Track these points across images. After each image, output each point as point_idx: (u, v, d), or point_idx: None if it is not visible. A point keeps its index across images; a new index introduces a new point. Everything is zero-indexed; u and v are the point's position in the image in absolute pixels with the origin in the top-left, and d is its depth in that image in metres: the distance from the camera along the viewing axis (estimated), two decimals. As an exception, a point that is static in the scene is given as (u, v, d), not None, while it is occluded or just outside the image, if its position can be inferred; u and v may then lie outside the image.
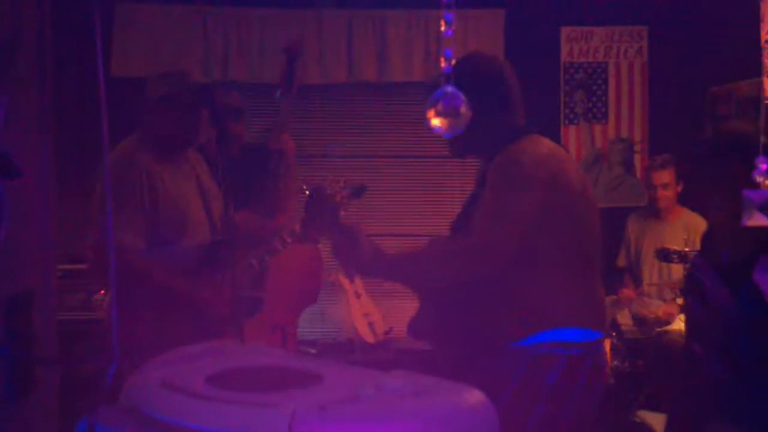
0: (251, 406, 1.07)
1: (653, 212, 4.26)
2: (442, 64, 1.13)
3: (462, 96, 1.11)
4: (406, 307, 4.97)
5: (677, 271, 3.92)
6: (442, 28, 1.09)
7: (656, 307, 4.09)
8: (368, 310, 4.80)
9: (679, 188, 4.14)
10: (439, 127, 1.09)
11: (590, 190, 2.07)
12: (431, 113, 1.11)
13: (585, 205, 2.00)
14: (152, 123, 2.78)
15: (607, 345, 3.02)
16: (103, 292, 4.12)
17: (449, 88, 1.09)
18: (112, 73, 4.56)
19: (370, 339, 4.71)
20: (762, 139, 2.91)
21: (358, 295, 4.79)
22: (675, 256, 3.59)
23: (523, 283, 1.89)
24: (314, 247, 3.39)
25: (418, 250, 2.22)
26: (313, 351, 4.64)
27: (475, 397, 1.10)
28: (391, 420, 1.03)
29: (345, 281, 4.75)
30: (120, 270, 2.67)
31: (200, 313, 2.70)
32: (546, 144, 2.04)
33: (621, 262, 4.38)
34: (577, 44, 4.90)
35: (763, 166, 1.18)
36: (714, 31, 4.37)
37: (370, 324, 4.78)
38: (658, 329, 3.99)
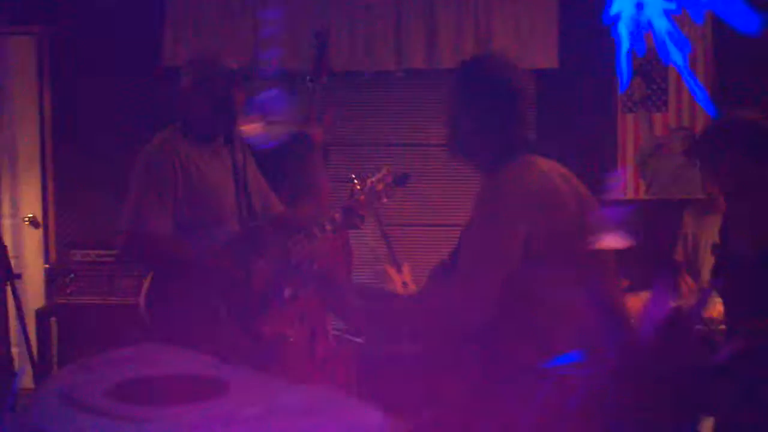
0: (125, 423, 1.03)
1: (712, 206, 4.05)
2: (265, 65, 1.04)
3: (284, 101, 1.03)
4: None
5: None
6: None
7: (712, 305, 3.89)
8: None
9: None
10: (258, 132, 1.01)
11: (591, 207, 1.90)
12: (253, 117, 1.03)
13: (583, 224, 1.84)
14: (185, 109, 2.81)
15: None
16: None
17: (270, 93, 1.01)
18: (163, 62, 4.64)
19: (416, 330, 4.66)
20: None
21: (405, 285, 4.73)
22: None
23: (529, 309, 1.80)
24: (344, 236, 3.36)
25: (396, 304, 2.18)
26: (359, 340, 4.62)
27: (371, 418, 1.04)
28: None
29: (392, 271, 4.69)
30: (152, 254, 2.74)
31: (236, 296, 2.71)
32: (537, 167, 1.91)
33: (679, 256, 4.19)
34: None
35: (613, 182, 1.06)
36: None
37: (417, 315, 4.72)
38: (713, 328, 3.80)
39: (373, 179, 3.19)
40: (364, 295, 2.01)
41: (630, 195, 4.73)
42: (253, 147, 3.34)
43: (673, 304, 0.89)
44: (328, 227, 2.99)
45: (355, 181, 3.25)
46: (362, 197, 3.11)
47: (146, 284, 2.90)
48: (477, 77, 1.97)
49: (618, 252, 1.91)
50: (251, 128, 3.00)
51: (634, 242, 1.19)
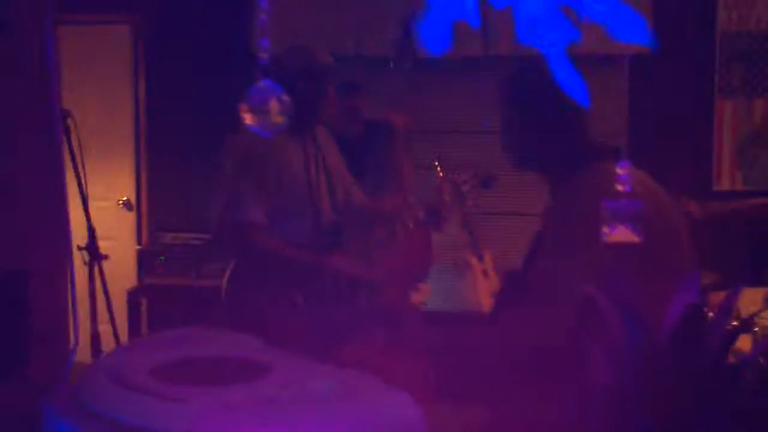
0: (164, 401, 1.06)
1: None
2: (260, 55, 1.03)
3: (277, 92, 1.00)
4: None
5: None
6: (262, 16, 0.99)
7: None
8: (496, 289, 4.68)
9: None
10: (250, 124, 1.00)
11: (671, 217, 1.76)
12: (244, 108, 1.02)
13: (665, 238, 1.69)
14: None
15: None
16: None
17: (264, 83, 0.99)
18: (251, 50, 4.71)
19: (497, 319, 4.60)
20: None
21: (485, 274, 4.68)
22: None
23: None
24: (426, 228, 3.32)
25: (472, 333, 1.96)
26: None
27: (403, 407, 1.02)
28: (300, 425, 0.99)
29: (473, 259, 4.65)
30: (250, 245, 2.76)
31: (324, 290, 2.73)
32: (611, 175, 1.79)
33: None
34: (737, 10, 4.47)
35: (622, 173, 0.98)
36: None
37: (499, 304, 4.67)
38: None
39: (459, 180, 3.13)
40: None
41: (726, 186, 4.53)
42: (336, 136, 3.35)
43: (694, 302, 0.83)
44: (411, 225, 2.96)
45: (438, 168, 3.21)
46: (447, 198, 3.06)
47: (230, 268, 2.95)
48: (535, 78, 1.81)
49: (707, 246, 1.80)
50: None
51: (644, 237, 1.11)
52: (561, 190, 1.77)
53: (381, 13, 4.68)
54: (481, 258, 4.65)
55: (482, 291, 4.65)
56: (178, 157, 4.89)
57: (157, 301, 4.62)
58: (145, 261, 4.65)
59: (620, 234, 0.98)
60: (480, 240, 4.70)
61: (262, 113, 1.03)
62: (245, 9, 4.72)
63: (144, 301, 4.64)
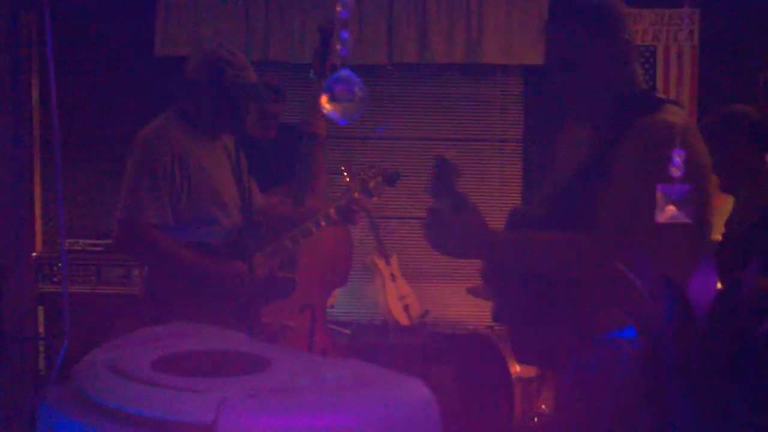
0: (184, 392, 1.07)
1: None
2: (338, 47, 1.08)
3: (358, 80, 1.05)
4: (442, 290, 5.00)
5: None
6: (338, 9, 1.04)
7: None
8: (404, 293, 4.79)
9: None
10: (333, 113, 1.05)
11: None
12: (325, 99, 1.07)
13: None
14: (193, 102, 2.76)
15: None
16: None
17: (344, 72, 1.04)
18: (155, 53, 4.62)
19: (405, 322, 4.70)
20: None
21: (394, 278, 4.78)
22: None
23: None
24: (344, 228, 3.39)
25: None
26: (347, 332, 4.66)
27: (417, 390, 1.08)
28: (323, 411, 1.03)
29: (381, 263, 4.73)
30: (147, 247, 2.72)
31: (228, 294, 2.72)
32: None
33: None
34: (625, 27, 4.77)
35: (677, 160, 1.10)
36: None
37: (406, 307, 4.77)
38: None
39: (365, 176, 3.22)
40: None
41: None
42: (250, 138, 3.35)
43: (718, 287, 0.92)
44: (323, 223, 3.02)
45: (345, 174, 3.28)
46: (356, 194, 3.14)
47: (144, 275, 2.90)
48: (590, 14, 1.83)
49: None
50: None
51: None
52: (620, 135, 1.77)
53: (288, 19, 4.70)
54: (388, 261, 4.75)
55: (390, 295, 4.74)
56: (75, 159, 4.72)
57: (55, 309, 4.44)
58: (41, 268, 4.46)
59: (670, 215, 1.05)
60: (386, 244, 4.80)
61: (345, 101, 1.05)
62: (147, 10, 4.63)
63: (41, 310, 4.45)
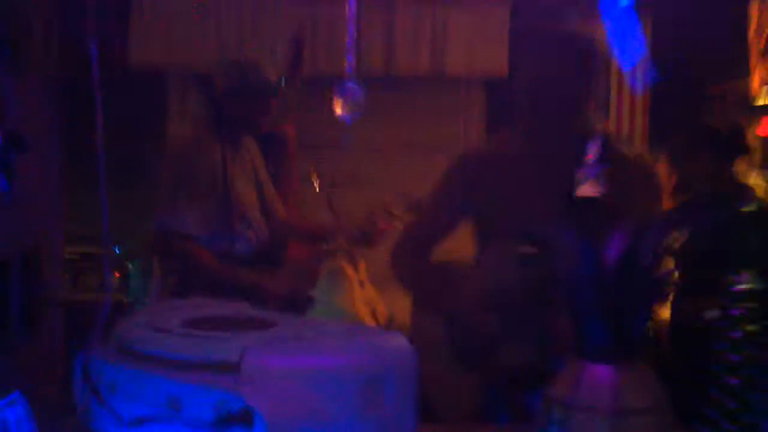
0: (212, 339, 1.30)
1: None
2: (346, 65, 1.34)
3: (360, 90, 1.26)
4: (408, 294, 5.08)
5: None
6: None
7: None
8: (371, 299, 4.87)
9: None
10: (341, 113, 1.28)
11: None
12: (337, 104, 1.31)
13: None
14: (225, 112, 2.81)
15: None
16: (117, 274, 4.25)
17: (350, 85, 1.26)
18: (129, 61, 4.70)
19: (372, 326, 4.80)
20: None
21: (361, 284, 4.86)
22: None
23: None
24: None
25: None
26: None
27: (400, 340, 1.34)
28: (328, 353, 1.26)
29: (349, 269, 4.82)
30: (180, 256, 2.76)
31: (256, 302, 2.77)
32: None
33: None
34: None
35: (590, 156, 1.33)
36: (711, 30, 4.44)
37: (373, 313, 4.86)
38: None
39: (391, 206, 3.20)
40: None
41: None
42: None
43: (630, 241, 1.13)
44: (344, 245, 3.14)
45: (316, 182, 3.37)
46: (379, 222, 3.16)
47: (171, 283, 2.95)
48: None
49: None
50: None
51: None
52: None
53: (260, 29, 4.81)
54: (356, 268, 4.83)
55: (358, 301, 4.82)
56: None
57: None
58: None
59: (586, 190, 1.30)
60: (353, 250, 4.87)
61: (352, 105, 1.32)
62: (120, 21, 4.71)
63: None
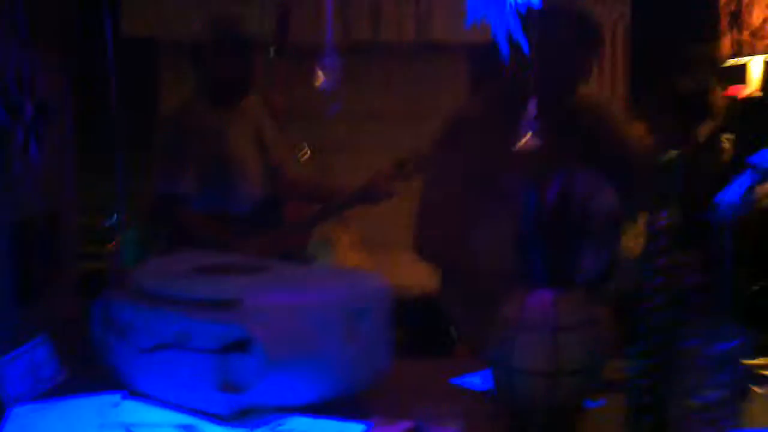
0: (217, 279, 1.53)
1: None
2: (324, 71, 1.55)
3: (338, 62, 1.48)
4: (402, 260, 5.16)
5: None
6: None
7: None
8: (362, 263, 4.99)
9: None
10: (323, 82, 1.52)
11: None
12: (319, 74, 1.54)
13: None
14: (206, 71, 2.80)
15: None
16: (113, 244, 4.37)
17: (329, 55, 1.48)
18: (121, 33, 4.78)
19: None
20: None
21: (352, 247, 5.00)
22: None
23: None
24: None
25: None
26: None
27: (379, 279, 1.59)
28: (312, 290, 1.50)
29: (340, 233, 4.96)
30: (177, 220, 2.83)
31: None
32: None
33: None
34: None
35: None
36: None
37: (363, 273, 5.00)
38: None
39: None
40: None
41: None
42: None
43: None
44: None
45: (305, 152, 3.46)
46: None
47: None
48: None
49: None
50: None
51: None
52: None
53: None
54: (347, 233, 4.96)
55: (349, 264, 4.95)
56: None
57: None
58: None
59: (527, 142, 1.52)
60: (345, 215, 4.98)
61: (333, 74, 1.53)
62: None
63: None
